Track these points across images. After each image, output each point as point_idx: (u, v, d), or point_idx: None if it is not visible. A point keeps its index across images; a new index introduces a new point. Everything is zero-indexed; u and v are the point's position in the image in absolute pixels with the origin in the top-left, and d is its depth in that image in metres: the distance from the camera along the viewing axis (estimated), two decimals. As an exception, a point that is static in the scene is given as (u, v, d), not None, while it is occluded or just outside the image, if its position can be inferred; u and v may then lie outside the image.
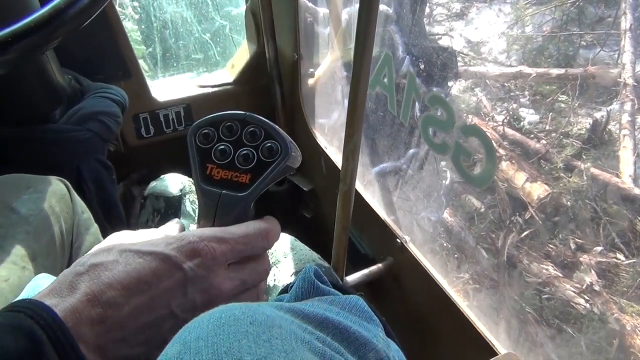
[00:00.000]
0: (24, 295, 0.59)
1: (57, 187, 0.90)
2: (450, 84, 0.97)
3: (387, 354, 0.46)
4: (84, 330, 0.39)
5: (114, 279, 0.41)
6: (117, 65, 1.41)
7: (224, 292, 0.47)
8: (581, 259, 0.78)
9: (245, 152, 0.52)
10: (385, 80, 1.06)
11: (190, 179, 1.09)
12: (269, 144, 0.52)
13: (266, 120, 0.54)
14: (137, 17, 1.64)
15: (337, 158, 1.40)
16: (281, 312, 0.40)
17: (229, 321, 0.34)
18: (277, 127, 0.54)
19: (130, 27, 1.62)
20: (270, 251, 0.98)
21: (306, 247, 0.99)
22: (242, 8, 1.63)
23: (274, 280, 0.94)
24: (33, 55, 0.90)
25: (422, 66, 1.01)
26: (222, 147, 0.53)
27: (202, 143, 0.53)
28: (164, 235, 0.49)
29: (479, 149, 0.86)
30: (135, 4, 1.63)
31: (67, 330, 0.37)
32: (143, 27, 1.67)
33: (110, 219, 1.21)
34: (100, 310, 0.40)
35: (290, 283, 0.56)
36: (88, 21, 0.68)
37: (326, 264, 0.99)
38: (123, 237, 0.52)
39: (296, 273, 0.94)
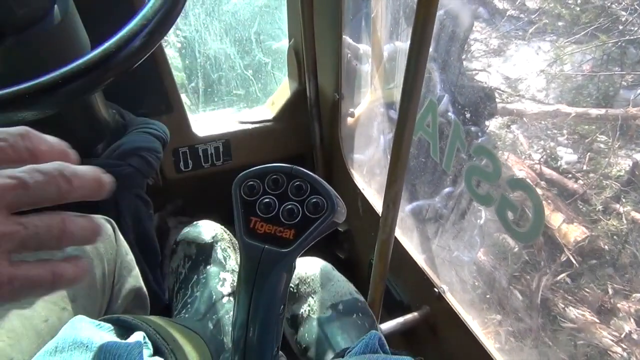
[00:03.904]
0: (61, 337, 0.58)
1: (103, 227, 0.90)
2: (492, 128, 0.96)
3: None
4: None
5: None
6: (160, 100, 1.42)
7: None
8: (619, 305, 0.76)
9: (290, 206, 0.51)
10: (429, 127, 1.04)
11: (223, 227, 1.09)
12: (314, 199, 0.51)
13: (312, 174, 0.53)
14: (179, 45, 1.66)
15: (374, 200, 1.38)
16: None
17: None
18: (323, 181, 0.53)
19: (172, 55, 1.64)
20: (305, 279, 0.96)
21: (343, 278, 0.97)
22: (283, 42, 1.65)
23: (309, 310, 0.92)
24: (82, 98, 0.91)
25: (467, 114, 0.99)
26: (267, 200, 0.51)
27: (247, 195, 0.52)
28: None
29: (525, 201, 0.83)
30: (179, 32, 1.65)
31: None
32: (187, 62, 1.70)
33: (146, 254, 1.21)
34: None
35: (347, 348, 0.54)
36: (138, 64, 0.68)
37: (362, 299, 0.96)
38: None
39: (333, 306, 0.92)
